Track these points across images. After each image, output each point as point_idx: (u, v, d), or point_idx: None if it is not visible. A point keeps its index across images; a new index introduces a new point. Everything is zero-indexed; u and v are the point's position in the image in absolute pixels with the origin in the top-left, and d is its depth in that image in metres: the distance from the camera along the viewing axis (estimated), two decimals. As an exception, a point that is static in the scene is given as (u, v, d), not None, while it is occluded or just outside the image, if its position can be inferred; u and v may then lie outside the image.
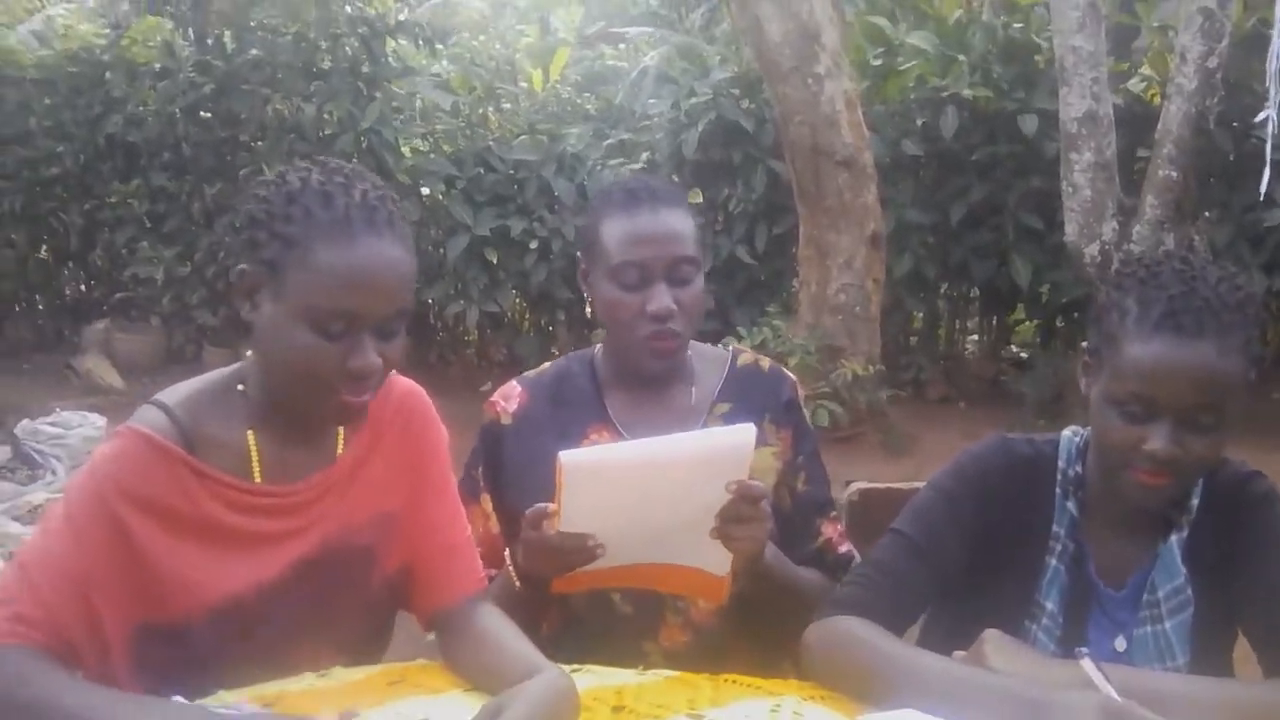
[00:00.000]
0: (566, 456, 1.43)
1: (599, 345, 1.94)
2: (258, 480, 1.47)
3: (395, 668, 1.55)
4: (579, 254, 1.88)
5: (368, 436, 1.56)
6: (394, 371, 1.49)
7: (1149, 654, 1.56)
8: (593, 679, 1.51)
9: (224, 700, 1.36)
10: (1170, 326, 1.41)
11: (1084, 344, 1.57)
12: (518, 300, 7.79)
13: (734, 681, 1.50)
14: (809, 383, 5.72)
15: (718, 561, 1.60)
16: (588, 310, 1.98)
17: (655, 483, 1.49)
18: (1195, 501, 1.57)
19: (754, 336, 6.05)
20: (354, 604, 1.57)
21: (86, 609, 1.34)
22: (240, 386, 1.49)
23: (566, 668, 1.50)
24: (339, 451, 1.55)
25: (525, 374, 1.95)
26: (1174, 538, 1.56)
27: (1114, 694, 1.27)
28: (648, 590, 1.74)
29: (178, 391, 1.48)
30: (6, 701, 1.23)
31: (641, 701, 1.44)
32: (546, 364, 1.98)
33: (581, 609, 1.82)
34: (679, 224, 1.77)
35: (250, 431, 1.48)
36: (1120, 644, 1.58)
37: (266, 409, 1.48)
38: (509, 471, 1.85)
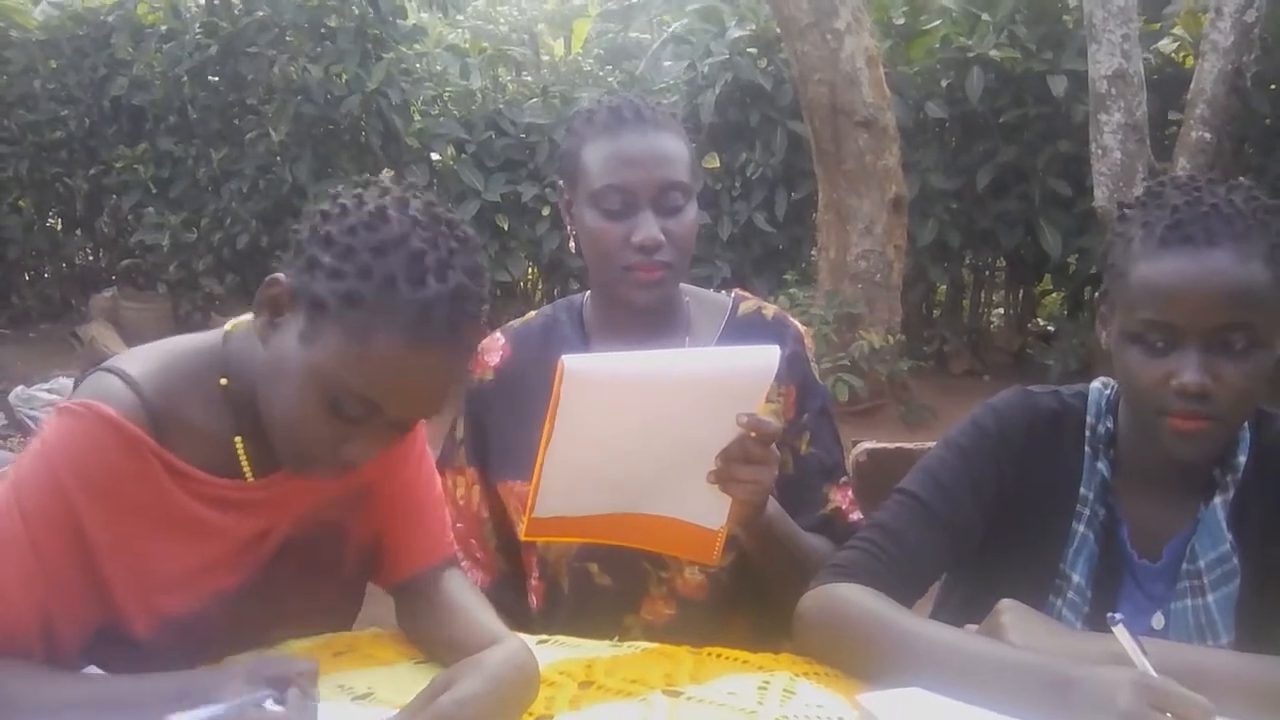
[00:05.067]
0: (570, 360, 1.27)
1: (588, 292, 1.78)
2: (249, 479, 1.30)
3: (343, 637, 1.43)
4: (559, 183, 1.71)
5: None
6: None
7: (1189, 631, 1.39)
8: (561, 651, 1.39)
9: None
10: (1178, 239, 1.26)
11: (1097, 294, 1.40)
12: (530, 268, 7.62)
13: (718, 655, 1.36)
14: (827, 354, 5.54)
15: (713, 513, 1.43)
16: (571, 244, 1.79)
17: (661, 401, 1.32)
18: (1242, 459, 1.40)
19: (769, 305, 5.86)
20: (326, 583, 1.44)
21: (41, 617, 1.17)
22: (223, 381, 1.29)
23: (533, 638, 1.36)
24: None
25: (510, 323, 1.81)
26: (1218, 499, 1.39)
27: (1150, 668, 1.10)
28: (629, 558, 1.58)
29: (143, 362, 1.26)
30: None
31: (613, 676, 1.31)
32: (532, 313, 1.83)
33: (558, 579, 1.66)
34: (669, 146, 1.62)
35: (239, 439, 1.29)
36: (1157, 620, 1.42)
37: (256, 415, 1.27)
38: (493, 436, 1.71)
